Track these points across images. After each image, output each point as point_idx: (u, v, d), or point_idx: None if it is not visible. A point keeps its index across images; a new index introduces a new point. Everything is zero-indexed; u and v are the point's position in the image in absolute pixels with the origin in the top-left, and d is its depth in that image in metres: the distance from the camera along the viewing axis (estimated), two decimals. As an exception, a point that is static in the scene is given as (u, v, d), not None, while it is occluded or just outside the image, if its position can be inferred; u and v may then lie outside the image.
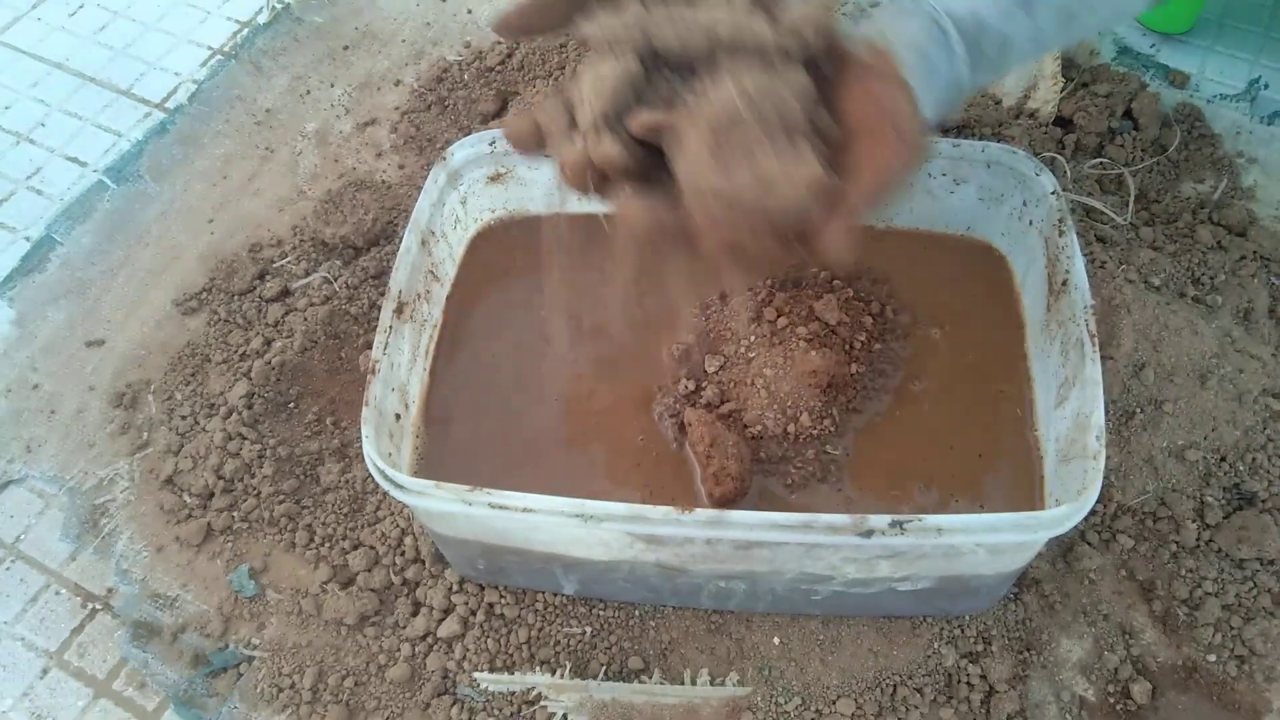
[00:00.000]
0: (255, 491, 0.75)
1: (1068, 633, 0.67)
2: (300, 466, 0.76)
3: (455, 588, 0.70)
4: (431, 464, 0.67)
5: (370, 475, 0.60)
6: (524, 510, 0.56)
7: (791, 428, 0.64)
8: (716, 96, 0.46)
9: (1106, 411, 0.58)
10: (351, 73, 1.04)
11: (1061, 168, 0.86)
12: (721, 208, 0.46)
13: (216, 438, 0.77)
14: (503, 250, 0.77)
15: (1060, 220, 0.66)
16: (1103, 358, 0.70)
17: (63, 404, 0.83)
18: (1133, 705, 0.65)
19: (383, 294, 0.68)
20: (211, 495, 0.76)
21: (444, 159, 0.73)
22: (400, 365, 0.67)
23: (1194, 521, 0.69)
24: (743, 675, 0.67)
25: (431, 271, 0.72)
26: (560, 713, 0.66)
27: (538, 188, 0.77)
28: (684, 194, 0.46)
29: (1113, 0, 0.59)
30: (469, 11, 1.08)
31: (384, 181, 0.94)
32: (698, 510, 0.54)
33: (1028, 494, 0.64)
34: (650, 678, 0.67)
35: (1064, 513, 0.54)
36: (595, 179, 0.49)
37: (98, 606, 0.74)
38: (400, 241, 0.69)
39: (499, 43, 1.03)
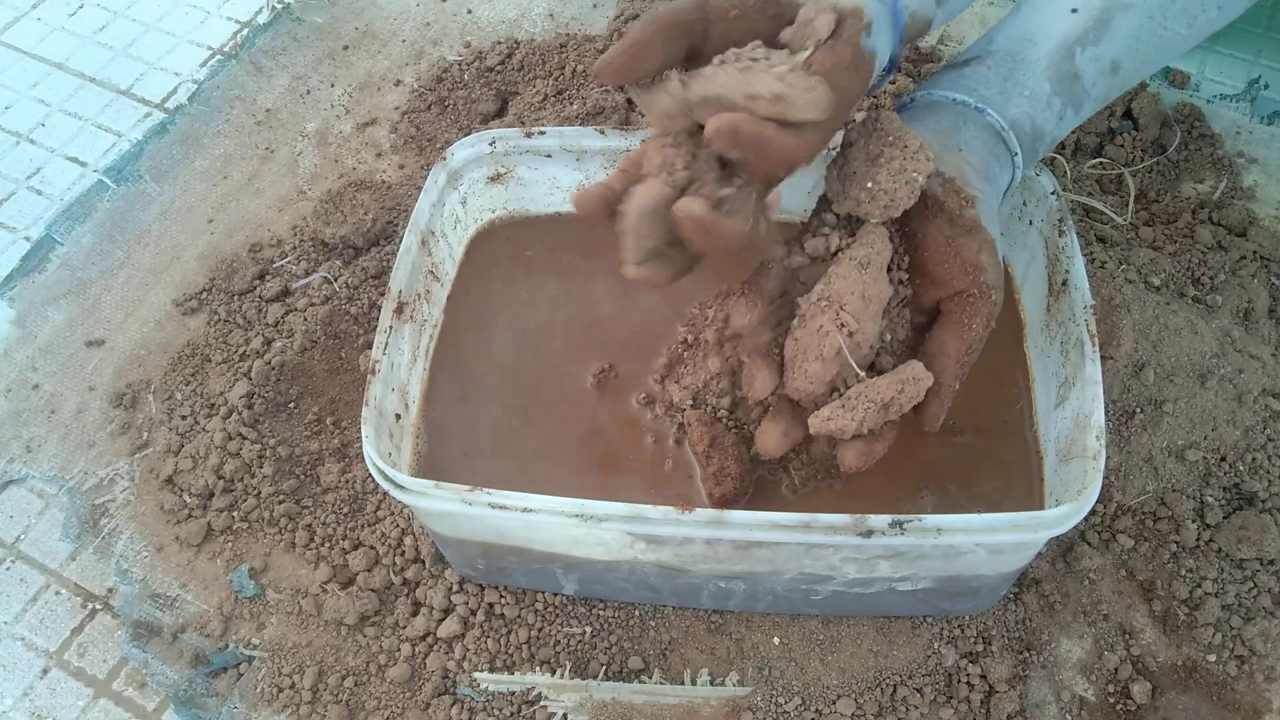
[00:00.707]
0: (255, 491, 0.75)
1: (1068, 633, 0.67)
2: (300, 466, 0.76)
3: (455, 588, 0.70)
4: (431, 464, 0.67)
5: (370, 475, 0.60)
6: (524, 510, 0.56)
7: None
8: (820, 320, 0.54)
9: (1106, 411, 0.58)
10: (351, 73, 1.04)
11: (1061, 168, 0.86)
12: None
13: (216, 438, 0.77)
14: (503, 250, 0.77)
15: (1060, 220, 0.66)
16: (1103, 358, 0.71)
17: (63, 404, 0.83)
18: (1133, 705, 0.65)
19: (383, 294, 0.68)
20: (211, 495, 0.76)
21: (444, 159, 0.73)
22: (400, 365, 0.67)
23: (1194, 521, 0.69)
24: (743, 675, 0.67)
25: (431, 271, 0.72)
26: (560, 713, 0.66)
27: (538, 188, 0.77)
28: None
29: (1133, 81, 0.60)
30: (469, 11, 1.08)
31: (384, 181, 0.94)
32: (698, 510, 0.54)
33: (1028, 494, 0.64)
34: (650, 678, 0.67)
35: (1064, 513, 0.54)
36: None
37: (98, 606, 0.74)
38: (400, 241, 0.69)
39: (499, 42, 1.03)
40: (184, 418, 0.80)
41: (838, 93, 0.47)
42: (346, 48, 1.07)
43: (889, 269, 0.57)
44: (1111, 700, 0.65)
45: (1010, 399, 0.67)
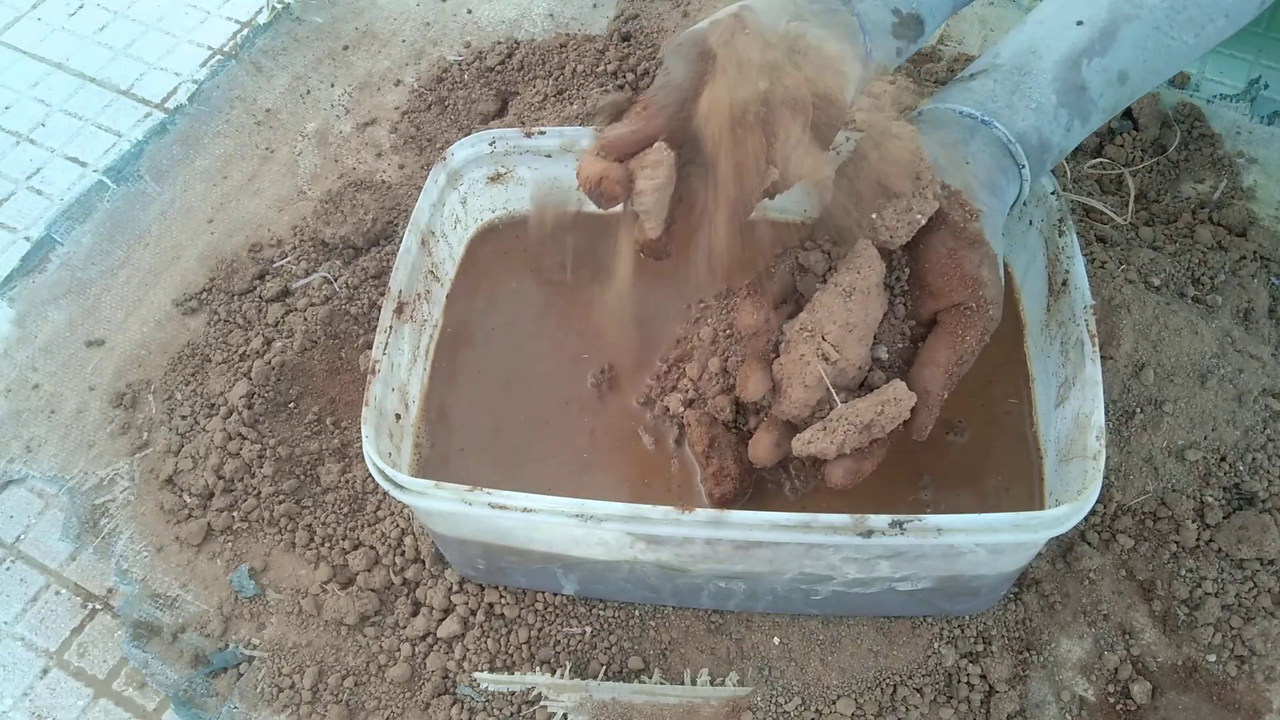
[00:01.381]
0: (255, 491, 0.75)
1: (1068, 633, 0.67)
2: (300, 466, 0.76)
3: (455, 588, 0.70)
4: (431, 464, 0.67)
5: (370, 475, 0.60)
6: (524, 510, 0.56)
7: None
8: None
9: (1106, 411, 0.58)
10: (351, 73, 1.04)
11: (1061, 168, 0.86)
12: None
13: (216, 438, 0.77)
14: (503, 250, 0.77)
15: (1060, 220, 0.66)
16: (1103, 358, 0.71)
17: (63, 404, 0.83)
18: (1133, 705, 0.65)
19: (383, 294, 0.68)
20: (211, 495, 0.76)
21: (444, 159, 0.73)
22: (400, 365, 0.67)
23: (1194, 521, 0.69)
24: (743, 675, 0.67)
25: (431, 271, 0.72)
26: (560, 713, 0.66)
27: (538, 188, 0.77)
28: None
29: (1141, 91, 0.61)
30: (469, 11, 1.08)
31: (384, 181, 0.94)
32: (698, 510, 0.54)
33: (1028, 494, 0.64)
34: (650, 678, 0.67)
35: (1064, 513, 0.54)
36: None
37: (98, 606, 0.74)
38: (400, 241, 0.69)
39: (499, 42, 1.03)
40: (184, 418, 0.80)
41: None
42: (346, 48, 1.07)
43: (887, 284, 0.58)
44: (1111, 700, 0.65)
45: (1010, 399, 0.67)
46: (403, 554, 0.72)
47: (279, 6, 1.10)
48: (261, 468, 0.76)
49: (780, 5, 0.57)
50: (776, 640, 0.68)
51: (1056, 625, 0.68)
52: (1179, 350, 0.73)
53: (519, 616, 0.69)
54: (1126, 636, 0.67)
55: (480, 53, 1.02)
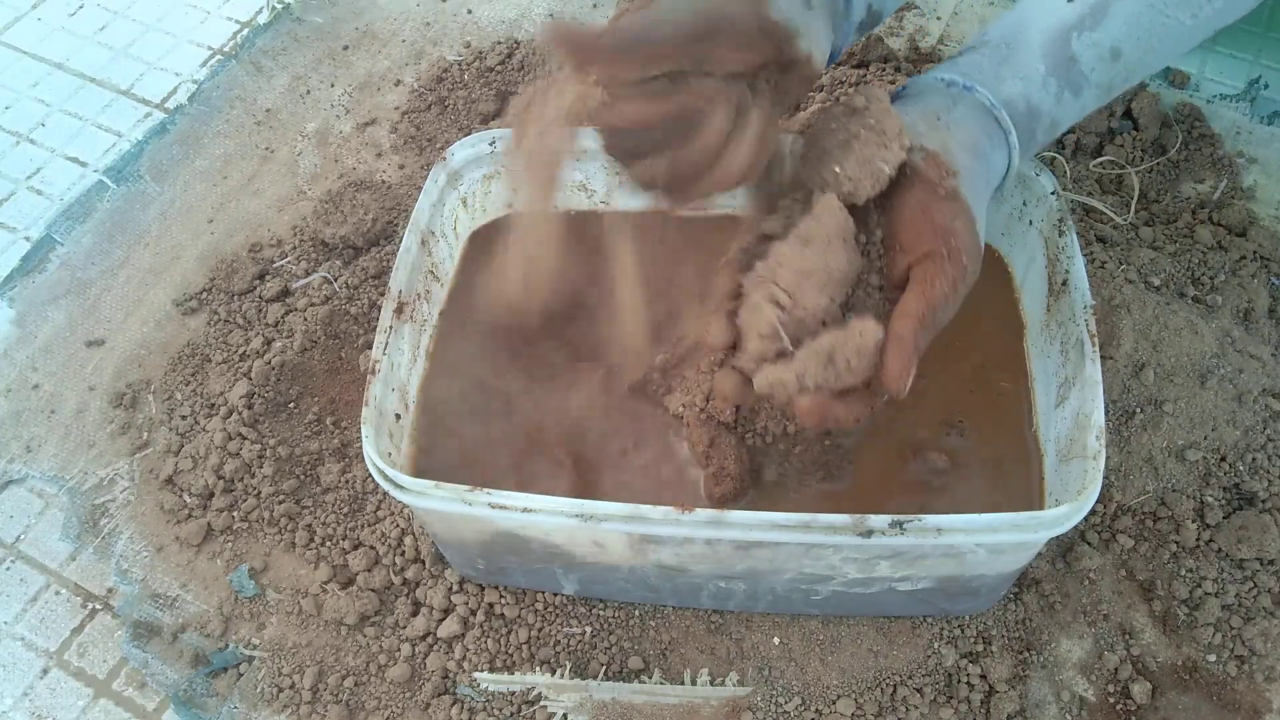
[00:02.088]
0: (255, 491, 0.75)
1: (1068, 633, 0.67)
2: (300, 466, 0.76)
3: (455, 588, 0.70)
4: (431, 464, 0.67)
5: (370, 475, 0.60)
6: (524, 510, 0.56)
7: (791, 427, 0.64)
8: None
9: (1106, 411, 0.58)
10: (351, 73, 1.04)
11: (1061, 167, 0.86)
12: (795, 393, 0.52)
13: (216, 438, 0.77)
14: (503, 250, 0.77)
15: (1060, 220, 0.66)
16: (1103, 358, 0.71)
17: (63, 404, 0.83)
18: (1133, 705, 0.65)
19: (383, 294, 0.68)
20: (211, 495, 0.76)
21: (444, 159, 0.73)
22: (400, 365, 0.67)
23: (1194, 521, 0.69)
24: (743, 675, 0.67)
25: (431, 271, 0.72)
26: (560, 713, 0.66)
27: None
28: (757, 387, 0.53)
29: (1142, 70, 0.60)
30: (469, 11, 1.08)
31: (384, 181, 0.94)
32: (698, 510, 0.54)
33: (1028, 494, 0.64)
34: (650, 678, 0.67)
35: (1064, 513, 0.54)
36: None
37: (98, 606, 0.74)
38: (400, 241, 0.69)
39: (499, 42, 1.03)
40: (184, 418, 0.80)
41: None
42: (346, 48, 1.07)
43: (862, 250, 0.55)
44: (1111, 700, 0.65)
45: (1010, 399, 0.67)
46: (403, 554, 0.72)
47: (279, 6, 1.10)
48: (261, 468, 0.76)
49: None
50: (776, 640, 0.68)
51: (1056, 625, 0.68)
52: (1179, 350, 0.73)
53: (519, 616, 0.69)
54: (1126, 636, 0.67)
55: (480, 53, 1.02)
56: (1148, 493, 0.71)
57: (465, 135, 0.79)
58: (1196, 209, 0.85)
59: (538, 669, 0.67)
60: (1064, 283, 0.64)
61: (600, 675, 0.67)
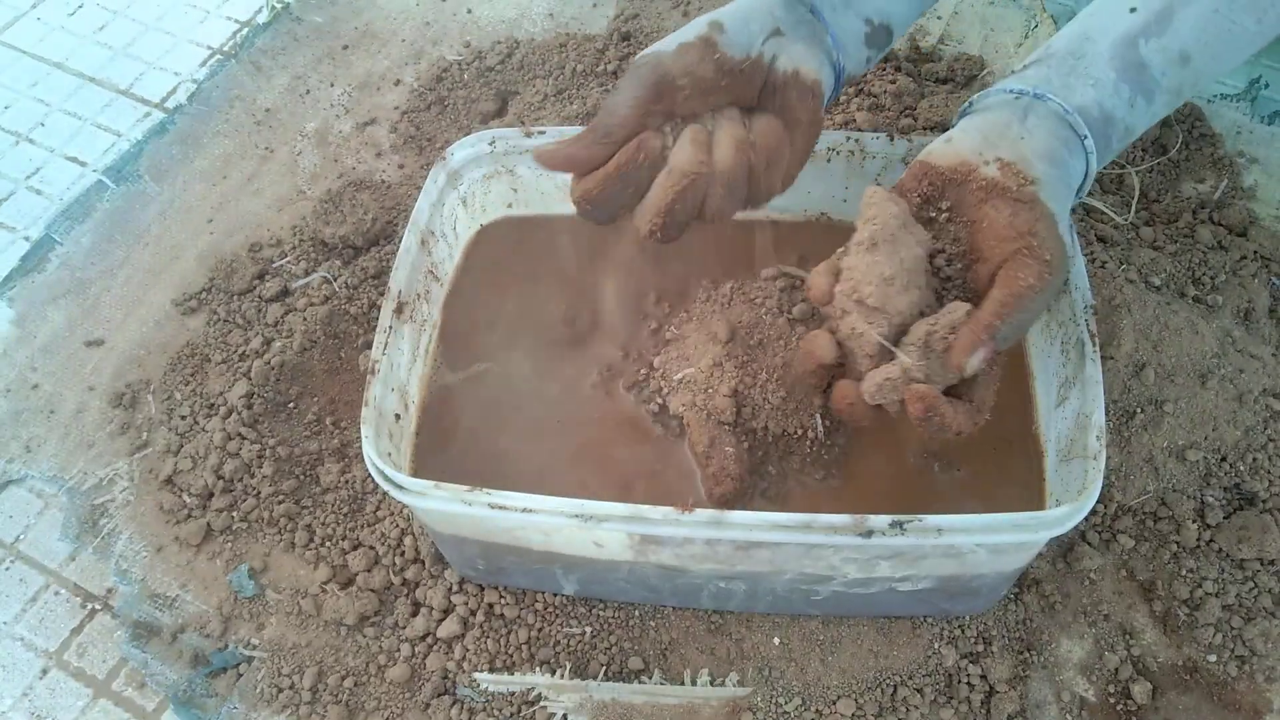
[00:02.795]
0: (255, 491, 0.75)
1: (1068, 633, 0.67)
2: (300, 466, 0.76)
3: (455, 588, 0.70)
4: (431, 464, 0.67)
5: (370, 475, 0.60)
6: (524, 510, 0.55)
7: (791, 426, 0.64)
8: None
9: (1107, 411, 0.58)
10: (351, 73, 1.04)
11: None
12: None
13: (216, 438, 0.77)
14: (503, 250, 0.77)
15: (1060, 220, 0.66)
16: (1103, 358, 0.70)
17: (62, 404, 0.83)
18: (1133, 705, 0.65)
19: (383, 294, 0.68)
20: (211, 495, 0.76)
21: (444, 159, 0.73)
22: (400, 365, 0.67)
23: (1194, 521, 0.69)
24: (743, 675, 0.67)
25: (431, 271, 0.72)
26: (560, 713, 0.66)
27: (537, 188, 0.77)
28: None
29: (1210, 75, 0.59)
30: (469, 11, 1.08)
31: (384, 181, 0.94)
32: (698, 510, 0.54)
33: (1028, 494, 0.64)
34: (650, 678, 0.67)
35: (1064, 513, 0.54)
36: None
37: (97, 606, 0.74)
38: (400, 241, 0.69)
39: (499, 42, 1.03)
40: (183, 418, 0.80)
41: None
42: (346, 47, 1.07)
43: (935, 267, 0.55)
44: (1112, 700, 0.65)
45: (1010, 399, 0.67)
46: (402, 554, 0.72)
47: (279, 6, 1.10)
48: (261, 468, 0.76)
49: (757, 17, 0.57)
50: (776, 640, 0.67)
51: (1057, 625, 0.67)
52: (1179, 350, 0.73)
53: (519, 616, 0.69)
54: (1127, 636, 0.67)
55: (480, 52, 1.02)
56: (1148, 493, 0.71)
57: (465, 135, 0.79)
58: (1197, 209, 0.85)
59: (538, 669, 0.67)
60: (1064, 282, 0.64)
61: (600, 675, 0.67)
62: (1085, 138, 0.55)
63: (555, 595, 0.69)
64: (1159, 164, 0.88)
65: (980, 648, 0.67)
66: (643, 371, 0.68)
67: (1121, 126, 0.57)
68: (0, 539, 0.77)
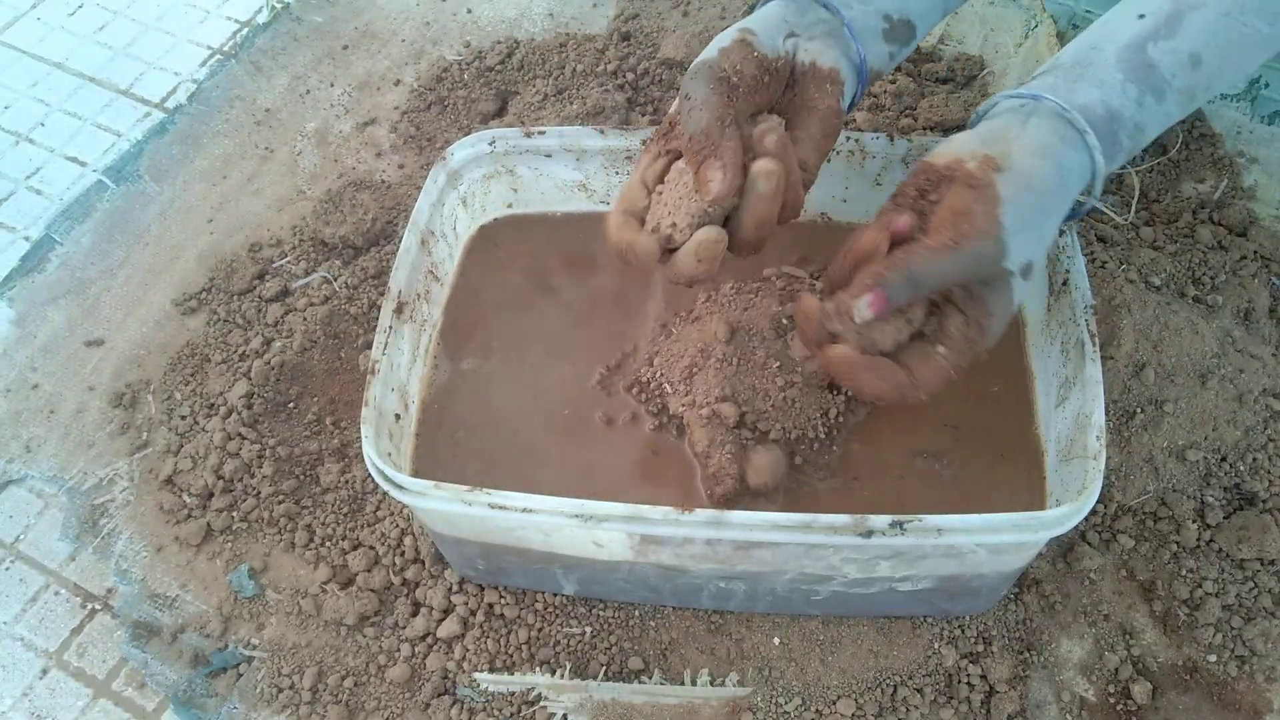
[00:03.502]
0: (255, 491, 0.75)
1: (1068, 633, 0.67)
2: (300, 466, 0.76)
3: (455, 588, 0.70)
4: (431, 464, 0.67)
5: (370, 475, 0.60)
6: (524, 510, 0.55)
7: (790, 427, 0.64)
8: None
9: (1107, 411, 0.58)
10: (351, 73, 1.04)
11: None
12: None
13: (216, 438, 0.77)
14: (503, 250, 0.77)
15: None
16: (1103, 358, 0.70)
17: (62, 404, 0.83)
18: (1133, 705, 0.65)
19: (383, 294, 0.68)
20: (211, 495, 0.76)
21: (444, 159, 0.73)
22: (400, 365, 0.67)
23: (1194, 521, 0.69)
24: (743, 675, 0.67)
25: (431, 271, 0.72)
26: (560, 713, 0.66)
27: (538, 188, 0.77)
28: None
29: (1225, 79, 0.59)
30: (469, 11, 1.08)
31: (384, 181, 0.94)
32: (698, 510, 0.54)
33: (1028, 494, 0.64)
34: (650, 678, 0.67)
35: (1064, 513, 0.54)
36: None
37: (97, 606, 0.74)
38: (400, 241, 0.69)
39: (499, 42, 1.03)
40: (183, 418, 0.80)
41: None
42: (346, 47, 1.06)
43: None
44: (1112, 700, 0.65)
45: (1010, 399, 0.67)
46: (402, 554, 0.72)
47: (279, 6, 1.10)
48: (261, 468, 0.76)
49: (776, 23, 0.59)
50: (776, 640, 0.67)
51: (1057, 625, 0.67)
52: (1179, 350, 0.73)
53: (519, 617, 0.69)
54: (1127, 636, 0.67)
55: (480, 52, 1.02)
56: (1148, 493, 0.71)
57: (465, 135, 0.79)
58: (1197, 209, 0.85)
59: (538, 669, 0.67)
60: (1064, 282, 0.64)
61: (600, 675, 0.67)
62: (1086, 133, 0.55)
63: (555, 595, 0.69)
64: (1159, 164, 0.88)
65: (980, 648, 0.67)
66: (643, 371, 0.68)
67: (1130, 124, 0.57)
68: (0, 539, 0.77)
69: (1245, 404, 0.72)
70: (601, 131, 0.73)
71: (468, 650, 0.68)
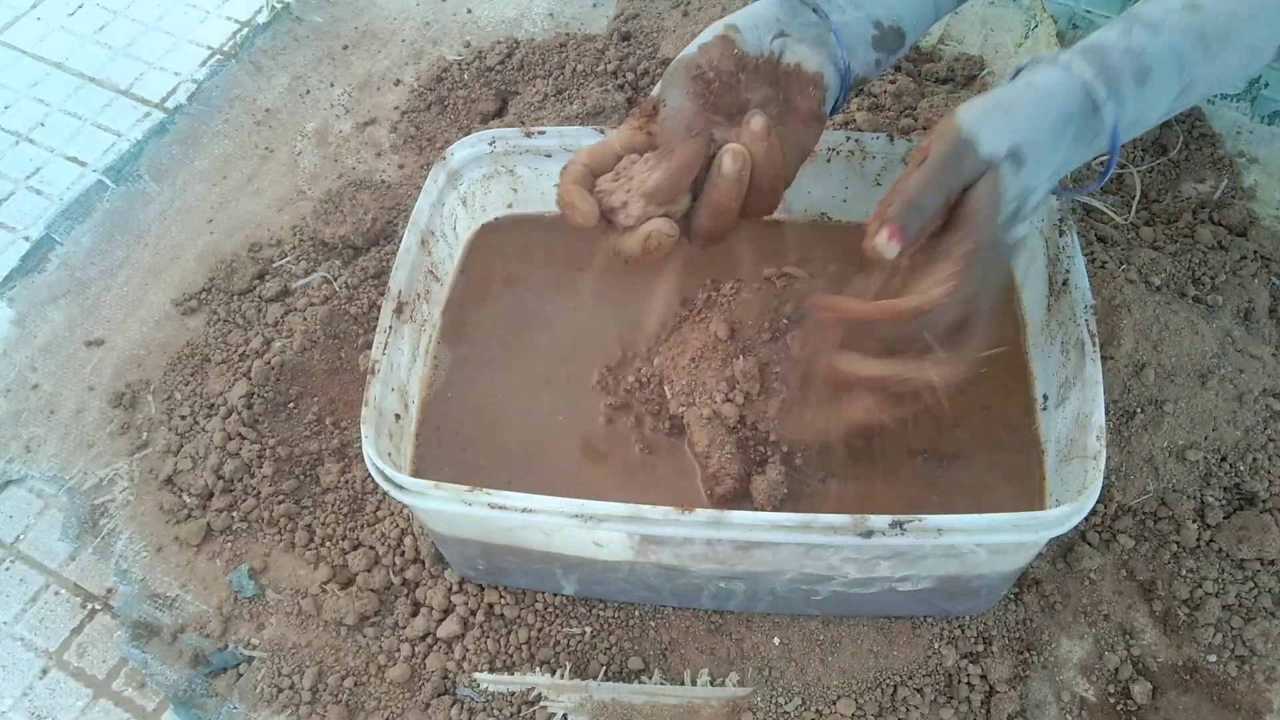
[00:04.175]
0: (255, 491, 0.75)
1: (1068, 633, 0.67)
2: (300, 466, 0.76)
3: (455, 588, 0.70)
4: (431, 464, 0.67)
5: (370, 475, 0.60)
6: (523, 510, 0.55)
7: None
8: None
9: (1107, 411, 0.58)
10: (351, 72, 1.04)
11: (1062, 167, 0.86)
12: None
13: (216, 438, 0.77)
14: (503, 250, 0.77)
15: (1060, 220, 0.66)
16: (1103, 358, 0.70)
17: (62, 404, 0.83)
18: (1133, 705, 0.65)
19: (383, 294, 0.68)
20: (211, 495, 0.76)
21: (444, 159, 0.73)
22: (400, 365, 0.67)
23: (1194, 521, 0.69)
24: (743, 675, 0.67)
25: (431, 271, 0.72)
26: (560, 713, 0.66)
27: (538, 188, 0.77)
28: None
29: (1233, 34, 0.56)
30: (469, 11, 1.08)
31: (384, 181, 0.94)
32: (698, 510, 0.54)
33: (1028, 494, 0.64)
34: (650, 678, 0.67)
35: (1064, 513, 0.54)
36: None
37: (97, 606, 0.74)
38: (400, 241, 0.69)
39: (499, 42, 1.03)
40: (183, 418, 0.80)
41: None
42: (346, 47, 1.07)
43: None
44: (1112, 700, 0.65)
45: (1010, 399, 0.67)
46: (402, 554, 0.72)
47: (279, 6, 1.10)
48: (261, 468, 0.76)
49: (763, 21, 0.59)
50: (776, 640, 0.67)
51: (1057, 625, 0.67)
52: (1179, 350, 0.73)
53: (519, 616, 0.69)
54: (1127, 636, 0.67)
55: (480, 52, 1.02)
56: (1148, 493, 0.71)
57: (465, 135, 0.79)
58: (1197, 209, 0.85)
59: (538, 669, 0.67)
60: (1064, 283, 0.64)
61: (600, 675, 0.67)
62: (1059, 55, 0.54)
63: (555, 595, 0.69)
64: (1159, 164, 0.88)
65: (980, 648, 0.67)
66: (643, 371, 0.68)
67: (1118, 50, 0.55)
68: (0, 539, 0.77)
69: (1245, 404, 0.72)
70: (601, 131, 0.73)
71: (468, 650, 0.68)
